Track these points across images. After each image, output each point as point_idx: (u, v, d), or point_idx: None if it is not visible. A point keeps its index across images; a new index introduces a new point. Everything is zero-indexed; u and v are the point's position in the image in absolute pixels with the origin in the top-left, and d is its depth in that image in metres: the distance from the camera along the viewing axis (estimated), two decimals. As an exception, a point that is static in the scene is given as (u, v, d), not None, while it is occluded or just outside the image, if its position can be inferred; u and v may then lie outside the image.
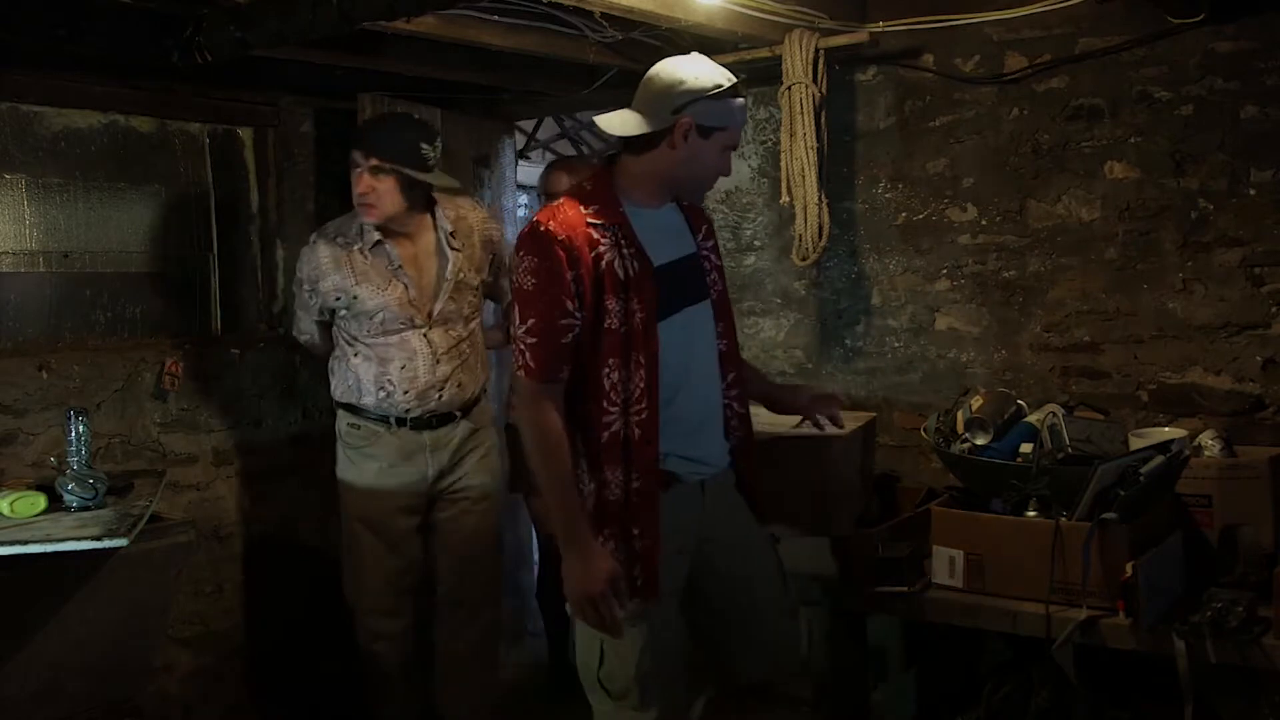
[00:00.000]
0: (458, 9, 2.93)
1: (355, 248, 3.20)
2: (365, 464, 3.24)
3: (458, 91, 3.93)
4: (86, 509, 2.78)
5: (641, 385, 2.34)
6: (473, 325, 3.34)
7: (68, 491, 2.80)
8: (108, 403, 3.40)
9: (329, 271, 3.19)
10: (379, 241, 3.20)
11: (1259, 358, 3.10)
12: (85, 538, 2.54)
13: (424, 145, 3.15)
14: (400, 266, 3.19)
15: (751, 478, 2.64)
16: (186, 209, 3.70)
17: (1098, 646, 2.71)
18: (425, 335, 3.20)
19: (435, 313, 3.22)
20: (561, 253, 2.30)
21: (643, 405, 2.34)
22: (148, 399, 3.50)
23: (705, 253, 2.58)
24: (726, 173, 2.55)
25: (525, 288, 2.32)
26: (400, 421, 3.21)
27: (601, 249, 2.34)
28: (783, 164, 3.46)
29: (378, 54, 3.32)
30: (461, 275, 3.27)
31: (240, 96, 3.72)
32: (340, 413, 3.29)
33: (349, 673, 3.36)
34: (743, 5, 3.13)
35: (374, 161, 3.11)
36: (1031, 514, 2.85)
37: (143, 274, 3.61)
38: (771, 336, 3.85)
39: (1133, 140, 3.24)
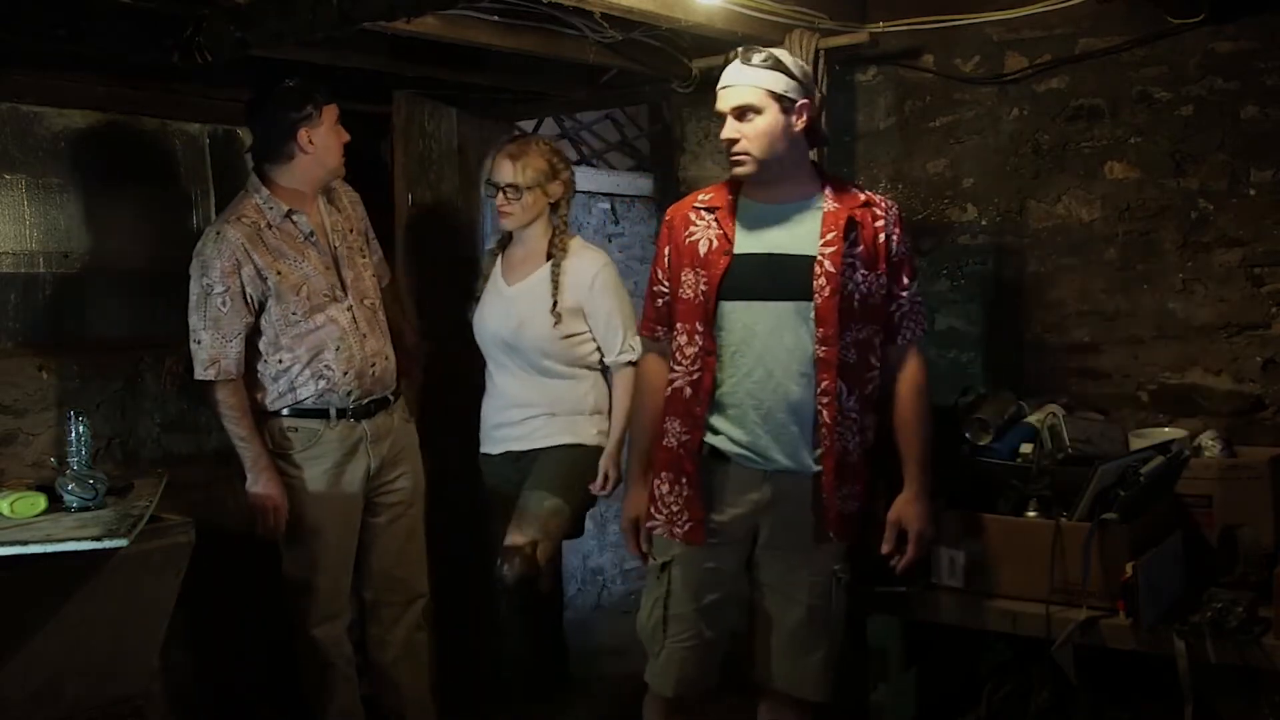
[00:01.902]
0: (458, 9, 2.92)
1: (263, 225, 3.07)
2: (310, 467, 3.15)
3: (458, 91, 3.93)
4: (86, 509, 2.77)
5: (698, 351, 2.61)
6: (379, 295, 3.29)
7: (68, 492, 2.79)
8: (108, 403, 3.40)
9: (248, 252, 3.02)
10: (288, 214, 3.10)
11: (1259, 358, 3.10)
12: (85, 538, 2.53)
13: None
14: (311, 233, 3.14)
15: (828, 495, 2.60)
16: (186, 209, 3.70)
17: (1098, 646, 2.71)
18: (349, 309, 3.16)
19: (345, 280, 3.17)
20: (665, 231, 2.74)
21: (698, 368, 2.61)
22: (148, 399, 3.49)
23: (823, 257, 2.55)
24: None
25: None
26: (340, 413, 3.15)
27: (695, 228, 2.66)
28: (783, 164, 3.45)
29: (378, 54, 3.32)
30: (345, 236, 3.23)
31: (240, 96, 3.71)
32: (271, 422, 3.14)
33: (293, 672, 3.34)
34: (743, 5, 3.13)
35: (337, 111, 3.12)
36: (1031, 514, 2.85)
37: (143, 274, 3.60)
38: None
39: (1133, 140, 3.24)
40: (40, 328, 3.36)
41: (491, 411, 3.44)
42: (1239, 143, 3.09)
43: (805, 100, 2.56)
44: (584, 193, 4.86)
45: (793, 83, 2.54)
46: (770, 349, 2.57)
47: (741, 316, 2.58)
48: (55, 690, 2.75)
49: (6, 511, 2.72)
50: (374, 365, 3.20)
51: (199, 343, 3.05)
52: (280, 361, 3.11)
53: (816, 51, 3.39)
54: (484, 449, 3.47)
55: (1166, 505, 2.90)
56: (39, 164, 3.34)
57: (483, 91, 4.03)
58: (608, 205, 5.16)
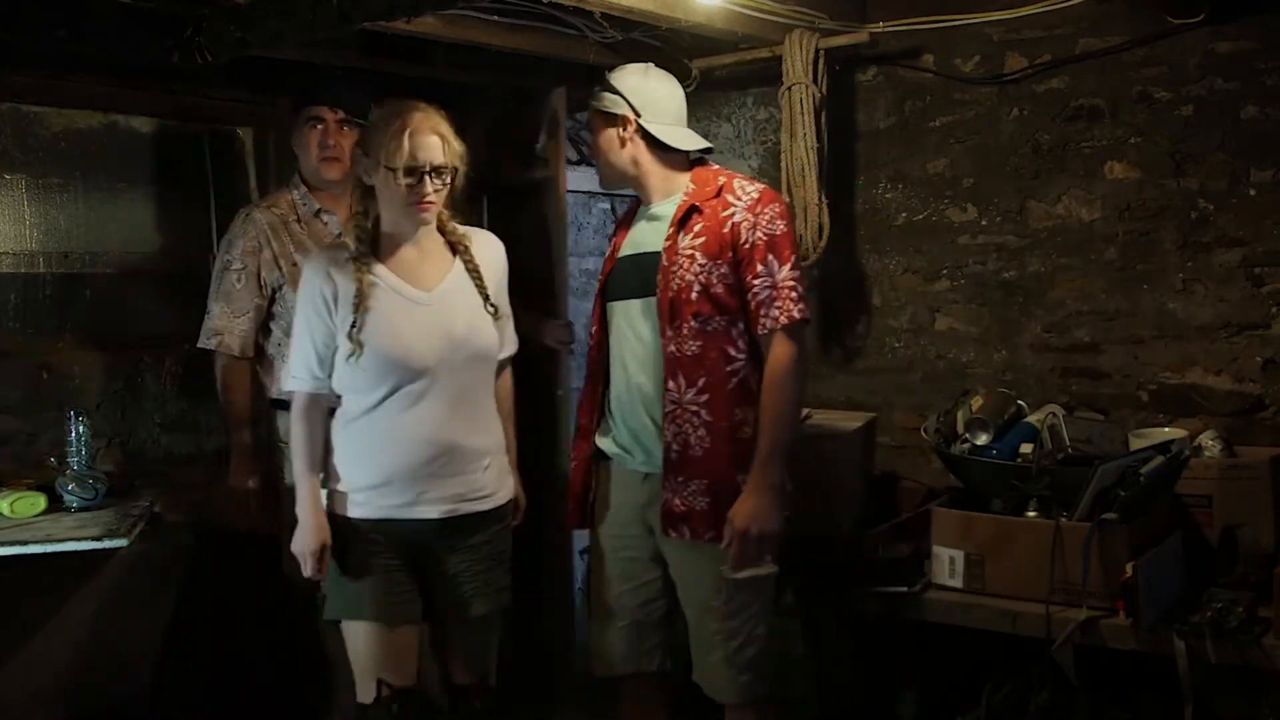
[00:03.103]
0: (457, 9, 2.93)
1: (291, 219, 3.18)
2: None
3: (457, 91, 3.93)
4: (86, 509, 2.78)
5: (594, 348, 2.80)
6: None
7: (68, 492, 2.80)
8: (108, 403, 3.40)
9: (269, 238, 3.14)
10: (318, 211, 3.20)
11: (1259, 358, 3.10)
12: (85, 538, 2.54)
13: (371, 103, 3.11)
14: (339, 235, 3.13)
15: (666, 490, 2.61)
16: (186, 209, 3.70)
17: (1098, 646, 2.71)
18: None
19: None
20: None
21: (594, 368, 2.79)
22: (148, 399, 3.49)
23: (664, 251, 2.63)
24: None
25: None
26: None
27: (611, 238, 2.89)
28: (783, 164, 3.46)
29: (378, 54, 3.32)
30: None
31: (240, 96, 3.71)
32: (281, 414, 3.11)
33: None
34: (743, 5, 3.13)
35: (340, 114, 3.15)
36: (1031, 514, 2.85)
37: (143, 274, 3.60)
38: (771, 336, 3.85)
39: (1133, 140, 3.24)
40: (40, 328, 3.36)
41: (402, 460, 2.53)
42: (1239, 143, 3.09)
43: (626, 113, 2.68)
44: (584, 193, 4.85)
45: (616, 98, 2.69)
46: (630, 347, 2.68)
47: (615, 317, 2.74)
48: (55, 690, 2.76)
49: (6, 511, 2.72)
50: None
51: (209, 314, 3.18)
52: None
53: (816, 51, 3.39)
54: (384, 512, 2.55)
55: (1166, 505, 2.90)
56: (39, 164, 3.35)
57: (480, 91, 4.03)
58: (608, 205, 5.15)
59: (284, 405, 3.11)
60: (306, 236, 3.18)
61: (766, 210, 2.59)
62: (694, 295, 2.58)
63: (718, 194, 2.63)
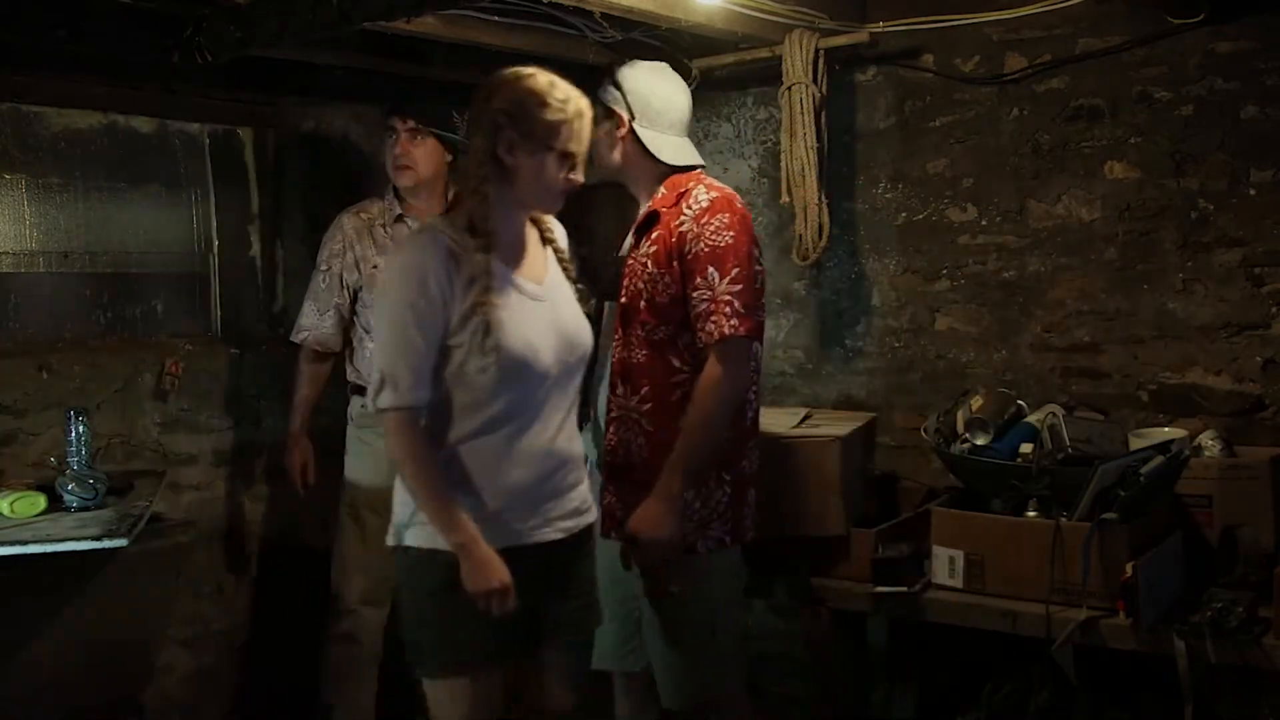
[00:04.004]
0: (457, 9, 2.93)
1: (378, 223, 3.34)
2: (376, 443, 3.23)
3: (458, 92, 3.93)
4: (86, 509, 2.78)
5: None
6: None
7: (68, 491, 2.80)
8: (108, 403, 3.40)
9: (352, 242, 3.32)
10: (400, 217, 3.33)
11: (1259, 358, 3.10)
12: (85, 538, 2.54)
13: (454, 112, 3.25)
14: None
15: (612, 495, 2.60)
16: (186, 209, 3.70)
17: (1098, 646, 2.71)
18: None
19: None
20: None
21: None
22: (148, 399, 3.49)
23: (629, 255, 2.63)
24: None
25: None
26: None
27: None
28: (783, 164, 3.46)
29: (378, 54, 3.32)
30: None
31: (240, 96, 3.71)
32: (354, 398, 3.36)
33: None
34: (743, 5, 3.13)
35: (410, 124, 3.24)
36: (1031, 514, 2.85)
37: (143, 274, 3.60)
38: (771, 337, 3.85)
39: (1133, 140, 3.24)
40: (40, 328, 3.36)
41: (517, 484, 2.30)
42: (1239, 143, 3.09)
43: (622, 112, 2.62)
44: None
45: (617, 94, 2.64)
46: (603, 352, 2.65)
47: (606, 325, 2.70)
48: (55, 690, 2.76)
49: (6, 511, 2.72)
50: None
51: (302, 311, 3.41)
52: (370, 345, 3.22)
53: (816, 51, 3.39)
54: (511, 539, 2.29)
55: (1166, 505, 2.90)
56: (39, 164, 3.35)
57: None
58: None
59: (361, 390, 3.30)
60: (390, 239, 3.30)
61: (714, 220, 2.50)
62: (641, 304, 2.55)
63: (676, 202, 2.57)
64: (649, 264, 2.55)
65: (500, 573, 2.18)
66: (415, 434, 2.20)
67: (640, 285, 2.57)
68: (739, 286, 2.47)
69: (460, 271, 2.18)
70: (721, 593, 2.63)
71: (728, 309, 2.45)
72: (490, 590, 2.17)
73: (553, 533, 2.31)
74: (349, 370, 3.39)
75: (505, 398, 2.21)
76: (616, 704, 2.88)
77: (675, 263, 2.51)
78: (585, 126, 2.27)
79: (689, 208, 2.54)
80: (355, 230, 3.34)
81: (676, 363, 2.54)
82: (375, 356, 2.26)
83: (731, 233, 2.50)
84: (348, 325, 3.38)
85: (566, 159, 2.24)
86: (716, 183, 2.64)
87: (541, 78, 2.23)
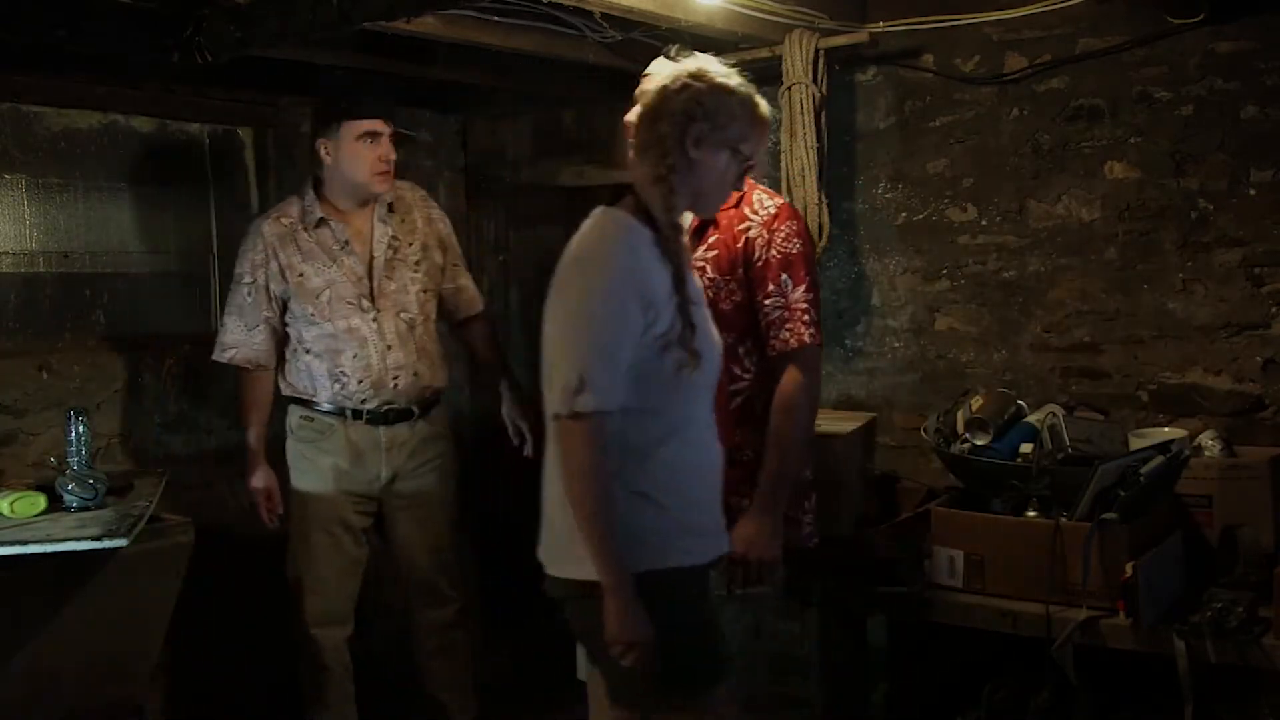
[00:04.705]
0: (457, 9, 2.93)
1: (299, 227, 3.17)
2: (319, 459, 3.19)
3: (457, 92, 3.94)
4: (86, 509, 2.77)
5: None
6: (429, 311, 3.27)
7: (68, 491, 2.80)
8: (108, 403, 3.40)
9: (276, 250, 3.14)
10: (322, 220, 3.17)
11: (1259, 358, 3.10)
12: (85, 538, 2.53)
13: (399, 110, 3.22)
14: (347, 242, 3.17)
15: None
16: (186, 209, 3.70)
17: (1098, 646, 2.71)
18: (375, 320, 3.15)
19: (378, 290, 3.16)
20: None
21: None
22: (148, 399, 3.50)
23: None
24: None
25: None
26: (356, 414, 3.16)
27: None
28: (783, 164, 3.46)
29: (378, 54, 3.32)
30: (397, 247, 3.21)
31: (240, 96, 3.71)
32: (291, 408, 3.24)
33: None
34: (743, 5, 3.13)
35: (392, 128, 3.13)
36: (1031, 514, 2.85)
37: (143, 274, 3.60)
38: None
39: (1133, 140, 3.24)
40: (40, 328, 3.36)
41: (703, 494, 2.21)
42: (1239, 143, 3.09)
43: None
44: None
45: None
46: None
47: None
48: (55, 690, 2.76)
49: (6, 511, 2.72)
50: (396, 378, 3.18)
51: (223, 326, 3.22)
52: (304, 356, 3.17)
53: (816, 51, 3.39)
54: (695, 558, 2.16)
55: (1166, 505, 2.90)
56: (39, 164, 3.35)
57: (481, 92, 4.04)
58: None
59: (299, 401, 3.19)
60: (315, 244, 3.16)
61: (783, 227, 2.50)
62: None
63: (736, 205, 2.53)
64: (709, 269, 2.50)
65: (646, 625, 2.01)
66: (604, 444, 2.00)
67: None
68: (812, 295, 2.49)
69: (659, 265, 2.07)
70: None
71: (806, 317, 2.47)
72: (636, 640, 2.01)
73: (725, 544, 2.23)
74: (282, 384, 3.24)
75: (695, 402, 2.13)
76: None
77: (741, 269, 2.49)
78: (767, 133, 2.24)
79: (754, 213, 2.52)
80: (277, 238, 3.16)
81: (737, 370, 2.52)
82: (561, 356, 2.04)
83: (800, 240, 2.51)
84: (280, 339, 3.22)
85: (744, 162, 2.19)
86: (769, 189, 2.62)
87: (735, 77, 2.20)
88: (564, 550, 2.10)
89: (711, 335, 2.17)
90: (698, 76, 2.16)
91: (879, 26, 3.43)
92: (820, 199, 3.41)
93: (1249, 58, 3.06)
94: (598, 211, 2.16)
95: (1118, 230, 3.27)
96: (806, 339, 2.47)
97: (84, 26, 2.74)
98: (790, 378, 2.46)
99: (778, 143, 3.54)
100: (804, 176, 3.40)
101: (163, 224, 3.64)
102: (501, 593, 4.00)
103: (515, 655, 4.08)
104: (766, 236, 2.49)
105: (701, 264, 2.51)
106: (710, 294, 2.45)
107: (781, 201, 2.58)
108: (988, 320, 3.49)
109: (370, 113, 3.14)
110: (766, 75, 3.57)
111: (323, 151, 3.15)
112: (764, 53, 3.51)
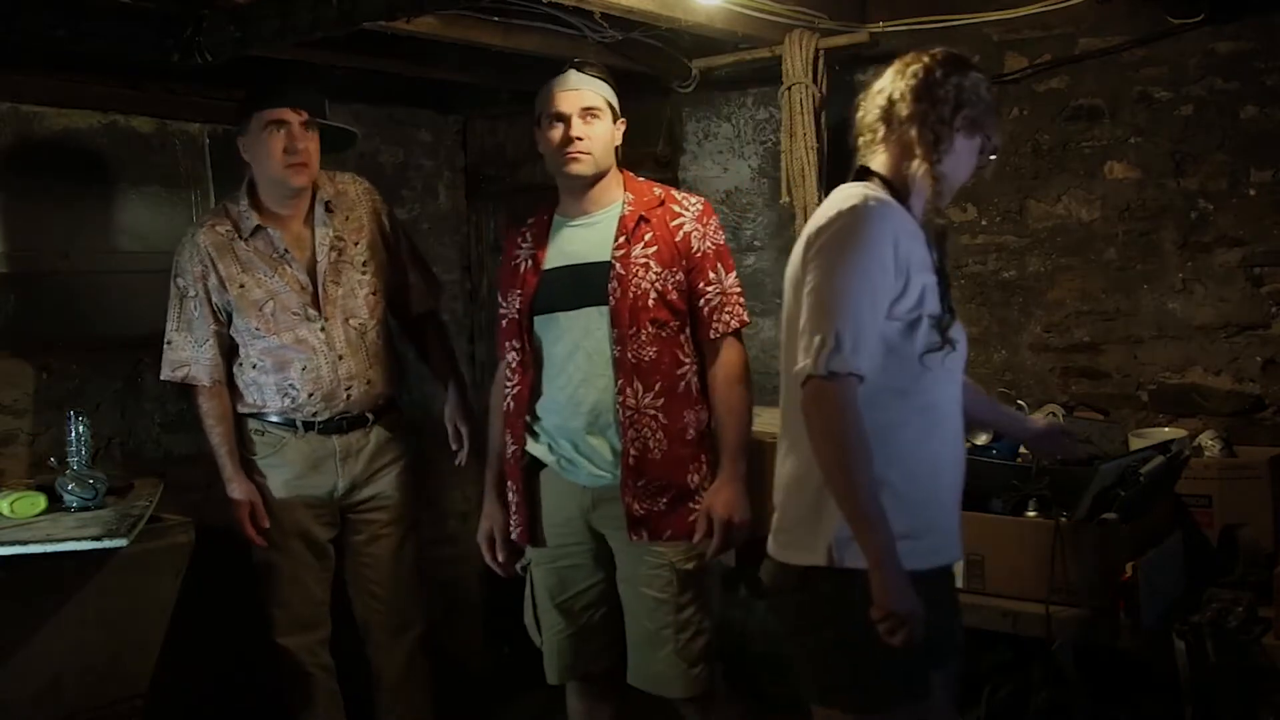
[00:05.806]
0: (457, 9, 2.93)
1: (235, 236, 3.02)
2: (273, 474, 3.10)
3: (457, 92, 3.94)
4: (86, 509, 2.78)
5: (517, 365, 2.74)
6: (380, 314, 3.15)
7: (68, 491, 2.80)
8: (108, 403, 3.40)
9: (214, 261, 3.00)
10: (258, 227, 3.02)
11: (1259, 358, 3.10)
12: (85, 538, 2.54)
13: (326, 101, 3.08)
14: (286, 250, 3.04)
15: (626, 494, 2.62)
16: (186, 209, 3.70)
17: (1098, 646, 2.71)
18: (323, 330, 3.04)
19: (324, 297, 3.04)
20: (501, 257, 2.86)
21: (516, 382, 2.75)
22: (148, 399, 3.49)
23: (615, 260, 2.63)
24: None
25: None
26: (308, 426, 3.07)
27: (518, 251, 2.77)
28: (783, 164, 3.46)
29: (378, 54, 3.32)
30: (341, 249, 3.08)
31: (240, 96, 3.71)
32: (243, 424, 3.11)
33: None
34: (743, 5, 3.13)
35: (305, 116, 2.95)
36: (1031, 514, 2.85)
37: (143, 274, 3.59)
38: (772, 337, 3.84)
39: (1133, 140, 3.24)
40: (40, 328, 3.35)
41: (944, 491, 2.19)
42: (1239, 143, 3.09)
43: (621, 117, 2.73)
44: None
45: (616, 97, 2.71)
46: (574, 357, 2.66)
47: (551, 329, 2.69)
48: (55, 690, 2.75)
49: (6, 511, 2.72)
50: (349, 389, 3.07)
51: (169, 343, 3.10)
52: (250, 370, 3.07)
53: (816, 51, 3.39)
54: (928, 560, 2.07)
55: (1166, 505, 2.90)
56: (39, 164, 3.34)
57: (481, 92, 4.04)
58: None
59: (253, 415, 3.08)
60: (253, 254, 3.02)
61: (712, 221, 2.72)
62: (651, 302, 2.62)
63: (660, 204, 2.70)
64: (651, 264, 2.64)
65: (915, 599, 1.90)
66: (857, 407, 1.90)
67: (645, 285, 2.62)
68: (737, 281, 2.74)
69: (918, 244, 2.06)
70: None
71: (741, 300, 2.72)
72: (906, 615, 1.88)
73: (959, 553, 2.16)
74: (237, 399, 3.11)
75: (941, 389, 2.05)
76: (571, 709, 2.90)
77: (682, 260, 2.66)
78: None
79: (684, 210, 2.70)
80: (215, 248, 3.00)
81: (681, 355, 2.68)
82: (818, 317, 1.97)
83: (723, 234, 2.77)
84: (229, 351, 3.08)
85: (992, 151, 2.18)
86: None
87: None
88: (792, 535, 2.08)
89: (960, 324, 2.13)
90: (961, 61, 2.15)
91: (879, 26, 3.44)
92: (820, 199, 3.40)
93: (1249, 58, 3.06)
94: (849, 186, 2.13)
95: (1118, 230, 3.27)
96: (745, 318, 2.73)
97: (84, 26, 2.74)
98: (736, 354, 2.70)
99: (778, 143, 3.54)
100: (804, 176, 3.40)
101: (162, 224, 3.63)
102: (502, 592, 3.98)
103: (515, 655, 4.07)
104: (701, 230, 2.69)
105: (644, 260, 2.64)
106: (659, 286, 2.63)
107: (701, 198, 2.76)
108: (987, 320, 3.49)
109: (276, 101, 2.95)
110: (766, 75, 3.59)
111: (241, 150, 3.02)
112: (764, 53, 3.52)
